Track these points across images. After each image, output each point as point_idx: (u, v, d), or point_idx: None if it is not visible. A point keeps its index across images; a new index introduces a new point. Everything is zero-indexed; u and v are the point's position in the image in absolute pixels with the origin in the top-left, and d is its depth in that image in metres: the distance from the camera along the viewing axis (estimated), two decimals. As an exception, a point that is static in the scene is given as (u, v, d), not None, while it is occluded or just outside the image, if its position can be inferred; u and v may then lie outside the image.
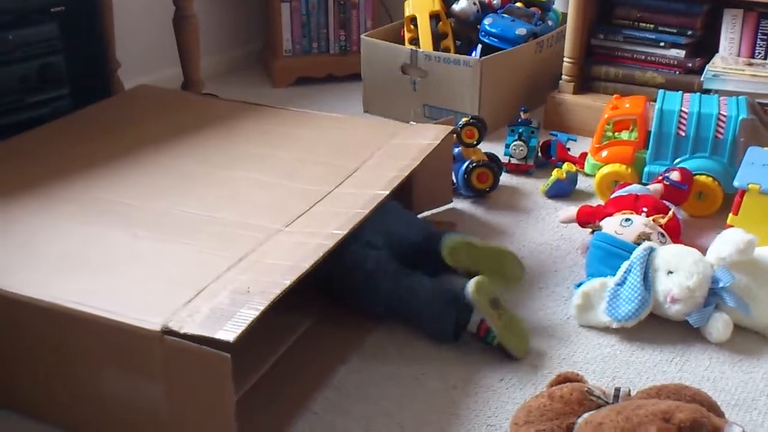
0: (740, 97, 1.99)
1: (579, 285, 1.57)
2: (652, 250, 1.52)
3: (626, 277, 1.50)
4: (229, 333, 1.09)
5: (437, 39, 2.51)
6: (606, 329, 1.51)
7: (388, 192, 1.50)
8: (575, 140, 2.25)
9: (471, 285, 1.44)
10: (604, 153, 2.03)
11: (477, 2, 2.57)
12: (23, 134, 1.79)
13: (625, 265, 1.52)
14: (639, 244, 1.55)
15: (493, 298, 1.46)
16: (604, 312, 1.50)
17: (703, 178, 1.89)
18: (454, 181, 2.03)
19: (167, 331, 1.12)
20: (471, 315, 1.44)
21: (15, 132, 1.80)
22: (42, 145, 1.77)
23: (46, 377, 1.26)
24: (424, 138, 1.74)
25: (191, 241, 1.37)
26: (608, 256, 1.58)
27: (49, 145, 1.77)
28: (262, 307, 1.15)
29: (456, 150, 2.04)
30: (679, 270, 1.49)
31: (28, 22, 1.92)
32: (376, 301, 1.51)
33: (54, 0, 2.01)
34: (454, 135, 1.97)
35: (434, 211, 1.97)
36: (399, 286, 1.50)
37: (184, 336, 1.10)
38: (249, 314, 1.13)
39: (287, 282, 1.21)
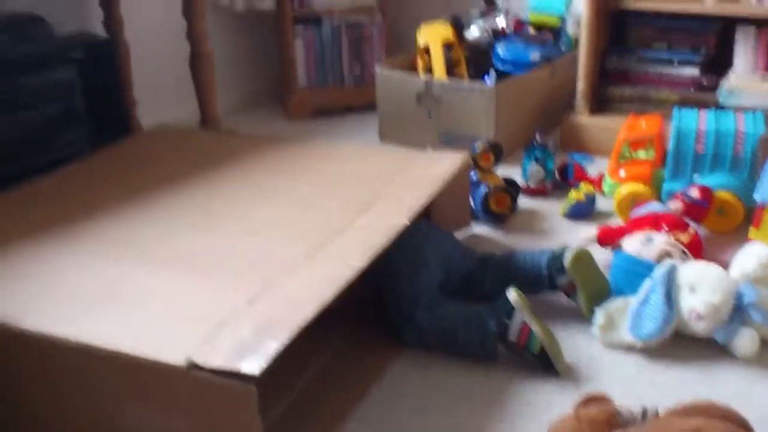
0: (757, 113, 1.99)
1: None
2: (674, 268, 1.51)
3: (649, 296, 1.50)
4: (253, 365, 1.09)
5: (451, 67, 2.53)
6: (631, 349, 1.50)
7: (407, 221, 1.51)
8: (592, 161, 2.25)
9: (512, 290, 1.46)
10: (622, 173, 2.02)
11: (489, 29, 2.60)
12: (46, 176, 1.82)
13: (647, 283, 1.51)
14: (661, 263, 1.54)
15: (534, 310, 1.46)
16: (628, 331, 1.49)
17: (723, 194, 1.88)
18: (473, 206, 2.03)
19: (192, 365, 1.12)
20: (512, 318, 1.44)
21: (37, 173, 1.83)
22: (64, 186, 1.79)
23: (72, 413, 1.27)
24: (441, 166, 1.75)
25: (212, 275, 1.38)
26: (630, 275, 1.57)
27: (70, 186, 1.79)
28: (286, 340, 1.15)
29: (473, 175, 2.04)
30: (702, 287, 1.48)
31: (48, 66, 1.96)
32: (410, 337, 1.53)
33: (74, 45, 2.06)
34: (471, 160, 1.97)
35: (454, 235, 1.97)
36: (434, 312, 1.51)
37: (209, 370, 1.11)
38: (273, 347, 1.13)
39: (310, 314, 1.21)
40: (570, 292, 1.59)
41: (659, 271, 1.51)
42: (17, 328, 1.25)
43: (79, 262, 1.45)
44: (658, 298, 1.48)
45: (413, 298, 1.53)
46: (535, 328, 1.43)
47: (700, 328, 1.47)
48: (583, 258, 1.59)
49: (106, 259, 1.45)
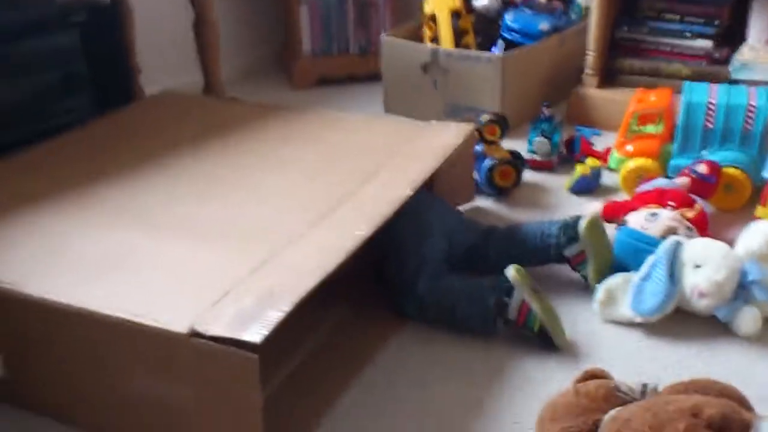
0: (769, 87, 1.96)
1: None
2: (678, 244, 1.50)
3: (652, 272, 1.49)
4: (255, 334, 1.10)
5: (458, 36, 2.50)
6: (632, 325, 1.50)
7: (411, 192, 1.50)
8: (599, 135, 2.23)
9: (511, 268, 1.45)
10: (630, 147, 2.01)
11: (498, -3, 2.56)
12: (49, 142, 1.81)
13: (650, 259, 1.50)
14: (665, 239, 1.53)
15: (533, 285, 1.45)
16: (628, 306, 1.48)
17: (731, 170, 1.86)
18: (477, 178, 2.02)
19: (194, 334, 1.12)
20: (511, 296, 1.43)
21: (39, 140, 1.82)
22: (65, 152, 1.79)
23: (74, 380, 1.28)
24: (445, 137, 1.74)
25: (216, 243, 1.38)
26: (634, 251, 1.56)
27: (73, 153, 1.78)
28: (287, 308, 1.15)
29: (478, 147, 2.03)
30: (707, 264, 1.47)
31: (51, 31, 1.94)
32: (409, 307, 1.52)
33: (76, 9, 2.04)
34: (477, 132, 1.96)
35: (458, 209, 1.96)
36: (436, 284, 1.51)
37: (211, 338, 1.11)
38: (275, 315, 1.14)
39: (312, 283, 1.21)
40: (578, 262, 1.57)
41: (663, 247, 1.50)
42: (21, 294, 1.25)
43: (83, 229, 1.45)
44: (660, 274, 1.47)
45: (416, 268, 1.52)
46: (534, 306, 1.42)
47: (702, 305, 1.47)
48: (598, 225, 1.58)
49: (110, 226, 1.45)
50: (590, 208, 1.86)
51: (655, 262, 1.49)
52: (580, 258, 1.57)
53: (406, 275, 1.52)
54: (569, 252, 1.57)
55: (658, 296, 1.46)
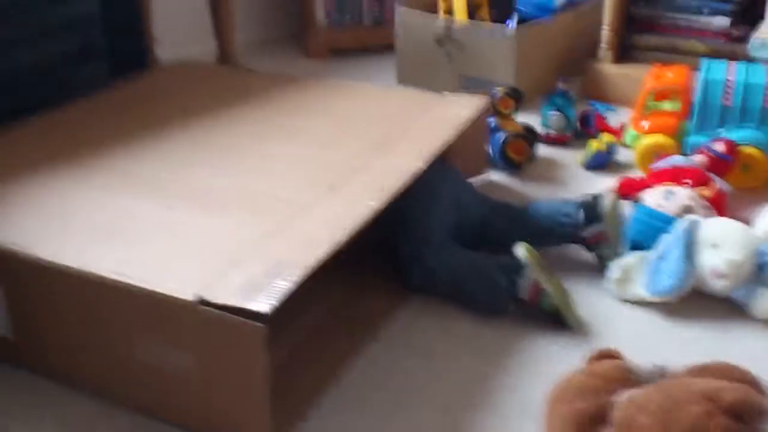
0: (789, 66, 1.93)
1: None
2: (695, 223, 1.48)
3: (668, 251, 1.46)
4: (263, 304, 1.08)
5: (472, 9, 2.46)
6: (646, 305, 1.48)
7: (424, 165, 1.48)
8: (613, 111, 2.20)
9: (521, 246, 1.42)
10: (646, 124, 1.97)
11: (513, -30, 2.52)
12: (62, 108, 1.80)
13: (667, 238, 1.48)
14: (682, 218, 1.51)
15: (545, 264, 1.43)
16: (644, 286, 1.46)
17: (748, 149, 1.83)
18: (490, 152, 1.99)
19: (202, 301, 1.11)
20: (522, 276, 1.41)
21: (54, 106, 1.81)
22: (80, 118, 1.78)
23: (80, 344, 1.27)
24: (459, 109, 1.72)
25: (226, 212, 1.37)
26: (650, 229, 1.53)
27: (87, 119, 1.78)
28: (296, 279, 1.14)
29: (492, 121, 2.00)
30: (724, 244, 1.44)
31: (69, 0, 1.92)
32: (415, 275, 1.50)
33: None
34: (490, 105, 1.93)
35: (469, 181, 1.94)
36: (444, 255, 1.48)
37: (219, 306, 1.10)
38: (284, 285, 1.12)
39: (321, 254, 1.19)
40: (596, 242, 1.55)
41: (680, 227, 1.48)
42: (29, 256, 1.24)
43: (93, 194, 1.44)
44: (677, 254, 1.45)
45: (424, 237, 1.50)
46: (547, 285, 1.40)
47: (719, 286, 1.44)
48: (619, 206, 1.56)
49: (121, 192, 1.44)
50: (606, 185, 1.84)
51: (671, 241, 1.47)
52: (598, 238, 1.54)
53: (414, 243, 1.50)
54: (588, 232, 1.54)
55: (674, 276, 1.44)
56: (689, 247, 1.45)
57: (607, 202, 1.53)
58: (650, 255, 1.48)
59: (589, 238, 1.55)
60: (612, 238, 1.54)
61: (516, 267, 1.42)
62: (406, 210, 1.51)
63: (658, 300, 1.45)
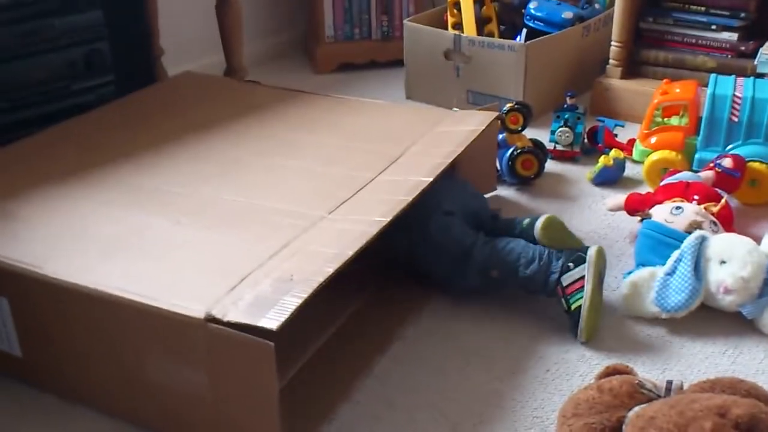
0: (796, 82, 1.93)
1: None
2: (703, 239, 1.48)
3: (676, 267, 1.46)
4: (272, 321, 1.08)
5: (481, 23, 2.47)
6: (655, 320, 1.48)
7: (432, 179, 1.48)
8: (623, 126, 2.20)
9: (595, 246, 1.44)
10: (654, 139, 1.98)
11: (522, -15, 2.53)
12: (69, 120, 1.81)
13: (675, 254, 1.48)
14: (690, 233, 1.51)
15: (602, 274, 1.45)
16: (653, 302, 1.46)
17: (756, 164, 1.83)
18: (499, 168, 2.00)
19: (211, 319, 1.11)
20: (578, 265, 1.42)
21: (61, 118, 1.82)
22: (87, 131, 1.78)
23: (92, 362, 1.27)
24: (468, 125, 1.72)
25: (234, 228, 1.37)
26: (658, 245, 1.53)
27: (94, 132, 1.77)
28: (305, 295, 1.13)
29: (500, 136, 2.00)
30: (732, 260, 1.44)
31: (75, 9, 1.94)
32: (470, 273, 1.50)
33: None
34: (499, 121, 1.93)
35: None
36: (496, 249, 1.48)
37: (228, 324, 1.10)
38: (292, 302, 1.12)
39: (330, 270, 1.19)
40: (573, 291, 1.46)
41: (688, 242, 1.47)
42: (37, 274, 1.24)
43: (101, 209, 1.44)
44: (685, 270, 1.44)
45: (468, 244, 1.51)
46: (588, 288, 1.41)
47: (728, 301, 1.44)
48: (554, 224, 1.53)
49: (128, 207, 1.44)
50: (609, 201, 1.84)
51: (679, 257, 1.47)
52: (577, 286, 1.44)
53: (460, 248, 1.50)
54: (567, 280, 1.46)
55: (684, 292, 1.43)
56: (698, 262, 1.45)
57: (592, 253, 1.45)
58: (659, 271, 1.48)
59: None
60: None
61: (577, 258, 1.43)
62: (437, 227, 1.52)
63: (668, 316, 1.45)
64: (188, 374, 1.17)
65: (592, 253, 1.43)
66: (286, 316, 1.09)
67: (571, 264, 1.43)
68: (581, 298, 1.41)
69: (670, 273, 1.46)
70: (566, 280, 1.42)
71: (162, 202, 1.46)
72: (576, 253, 1.45)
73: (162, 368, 1.19)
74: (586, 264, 1.42)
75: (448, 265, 1.52)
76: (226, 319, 1.10)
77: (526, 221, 1.56)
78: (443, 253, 1.52)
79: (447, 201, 1.56)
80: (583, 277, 1.41)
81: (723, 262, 1.45)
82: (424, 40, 2.48)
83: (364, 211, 1.38)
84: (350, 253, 1.24)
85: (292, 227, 1.34)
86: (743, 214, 1.80)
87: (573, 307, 1.41)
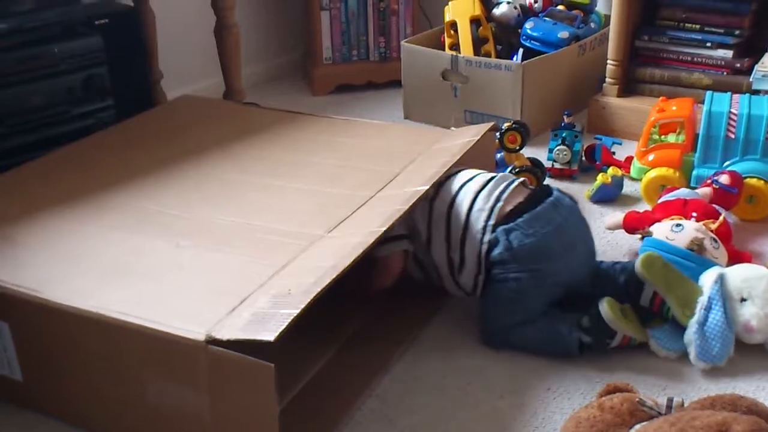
0: (792, 98, 1.94)
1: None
2: (722, 277, 1.45)
3: (708, 316, 1.42)
4: (270, 333, 1.08)
5: (478, 44, 2.49)
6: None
7: (428, 187, 1.47)
8: (620, 144, 2.21)
9: (605, 302, 1.41)
10: (651, 156, 1.99)
11: (518, 6, 2.55)
12: (68, 145, 1.82)
13: (702, 301, 1.44)
14: (692, 250, 1.51)
15: (625, 312, 1.44)
16: (698, 357, 1.41)
17: (753, 180, 1.84)
18: (497, 186, 2.00)
19: (211, 341, 1.11)
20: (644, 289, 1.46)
21: (61, 143, 1.83)
22: (86, 155, 1.79)
23: (93, 386, 1.27)
24: (464, 137, 1.72)
25: (234, 249, 1.37)
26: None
27: (94, 156, 1.78)
28: (302, 305, 1.13)
29: (498, 155, 2.01)
30: (753, 297, 1.43)
31: (73, 35, 1.95)
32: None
33: (98, 13, 2.05)
34: (497, 140, 1.94)
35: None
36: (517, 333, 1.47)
37: (227, 342, 1.10)
38: (289, 314, 1.11)
39: (326, 280, 1.19)
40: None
41: (709, 285, 1.44)
42: (38, 299, 1.25)
43: (100, 234, 1.44)
44: (718, 317, 1.41)
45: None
46: (666, 296, 1.45)
47: (755, 340, 1.43)
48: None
49: (128, 231, 1.45)
50: (607, 219, 1.84)
51: (708, 305, 1.43)
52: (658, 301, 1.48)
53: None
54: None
55: (722, 342, 1.40)
56: (725, 306, 1.43)
57: (639, 265, 1.46)
58: (692, 325, 1.42)
59: (649, 307, 1.49)
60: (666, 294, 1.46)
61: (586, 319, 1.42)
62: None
63: (709, 367, 1.41)
64: (189, 396, 1.17)
65: (607, 311, 1.40)
66: (283, 327, 1.08)
67: (586, 322, 1.42)
68: (670, 307, 1.45)
69: (703, 322, 1.42)
70: (645, 301, 1.47)
71: (162, 224, 1.46)
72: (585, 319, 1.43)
73: (163, 390, 1.19)
74: (646, 285, 1.46)
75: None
76: (223, 337, 1.10)
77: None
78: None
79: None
80: (655, 293, 1.46)
81: (743, 299, 1.44)
82: (421, 61, 2.50)
83: (362, 226, 1.38)
84: (347, 263, 1.23)
85: (292, 247, 1.35)
86: (741, 230, 1.80)
87: (669, 315, 1.45)
